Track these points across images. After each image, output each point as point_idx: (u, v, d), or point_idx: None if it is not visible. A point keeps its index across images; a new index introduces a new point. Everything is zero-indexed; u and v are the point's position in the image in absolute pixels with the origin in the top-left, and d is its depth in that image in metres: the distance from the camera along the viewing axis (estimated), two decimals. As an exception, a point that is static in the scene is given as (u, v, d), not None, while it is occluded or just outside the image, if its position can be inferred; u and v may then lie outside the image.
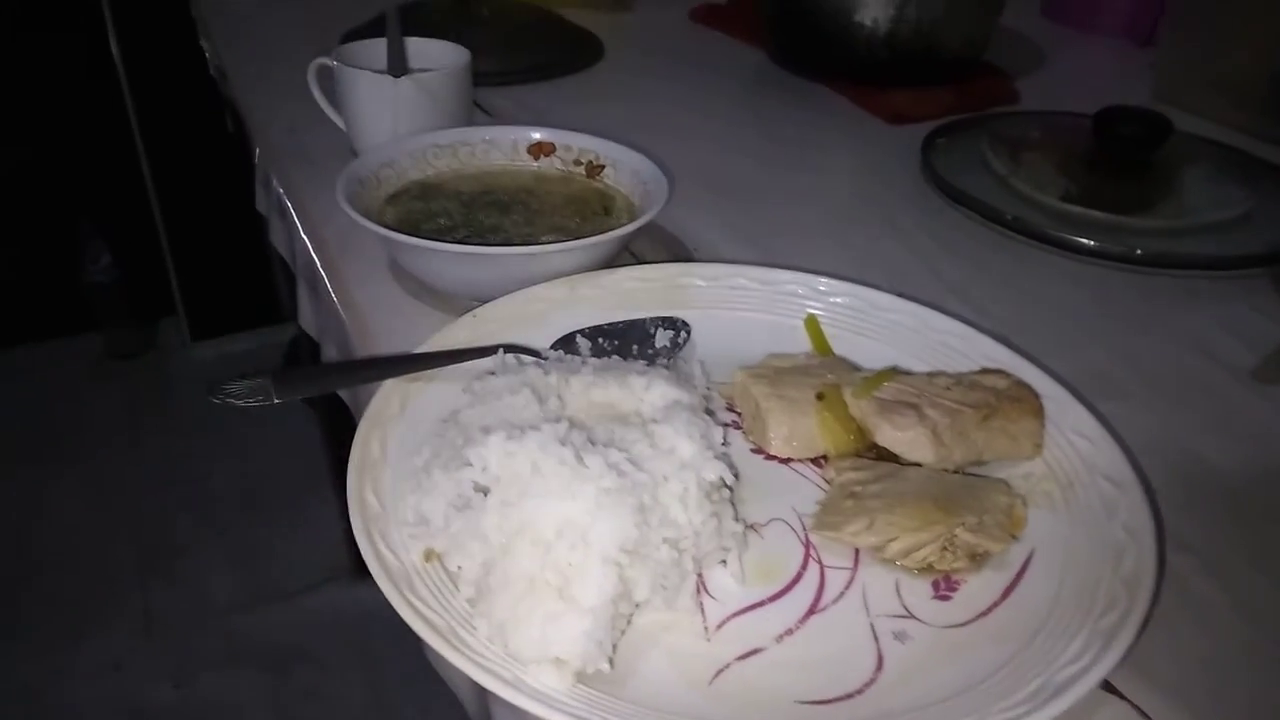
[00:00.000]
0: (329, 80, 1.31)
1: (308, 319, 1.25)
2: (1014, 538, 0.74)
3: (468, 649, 0.61)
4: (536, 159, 1.22)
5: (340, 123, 1.30)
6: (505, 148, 1.22)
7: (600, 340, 0.95)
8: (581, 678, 0.61)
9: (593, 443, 0.69)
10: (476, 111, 1.44)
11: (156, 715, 2.35)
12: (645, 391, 0.78)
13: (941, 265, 1.20)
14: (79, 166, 3.19)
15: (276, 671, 2.45)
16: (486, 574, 0.63)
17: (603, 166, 1.19)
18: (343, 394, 1.11)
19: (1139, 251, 1.22)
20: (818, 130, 1.57)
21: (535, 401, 0.75)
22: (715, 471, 0.70)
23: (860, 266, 1.11)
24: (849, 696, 0.64)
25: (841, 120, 1.61)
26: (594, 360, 0.85)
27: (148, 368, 3.45)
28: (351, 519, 0.69)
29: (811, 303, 1.01)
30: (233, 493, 2.95)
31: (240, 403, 0.77)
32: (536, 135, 1.22)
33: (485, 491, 0.67)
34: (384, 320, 1.03)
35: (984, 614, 0.71)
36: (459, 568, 0.65)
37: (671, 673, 0.65)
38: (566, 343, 0.94)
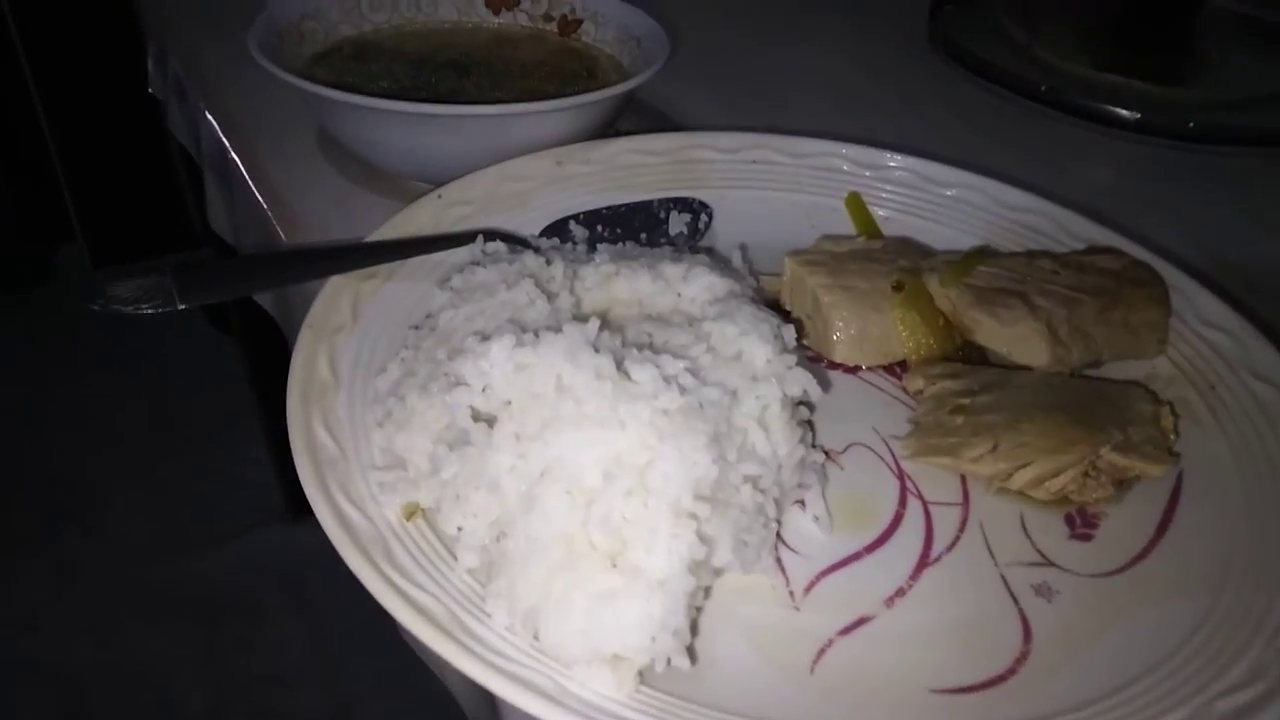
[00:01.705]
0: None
1: (219, 218, 1.02)
2: (1173, 455, 0.58)
3: (479, 646, 0.42)
4: (496, 13, 0.99)
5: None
6: (457, 0, 0.99)
7: (599, 228, 0.75)
8: (646, 677, 0.43)
9: (634, 348, 0.50)
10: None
11: (77, 675, 2.15)
12: (684, 282, 0.59)
13: (969, 143, 1.02)
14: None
15: (205, 623, 2.26)
16: (500, 537, 0.44)
17: (580, 21, 0.97)
18: (268, 305, 0.89)
19: (1191, 124, 1.05)
20: (817, 2, 1.37)
21: (542, 296, 0.55)
22: (801, 383, 0.51)
23: (875, 140, 0.92)
24: (999, 680, 0.47)
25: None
26: (608, 247, 0.66)
27: (45, 300, 3.15)
28: (297, 463, 0.49)
29: (853, 177, 0.82)
30: (147, 431, 2.71)
31: (129, 309, 0.56)
32: (486, -17, 0.99)
33: (489, 421, 0.47)
34: (318, 211, 0.81)
35: (1140, 557, 0.54)
36: (458, 529, 0.46)
37: (759, 659, 0.47)
38: (557, 230, 0.74)
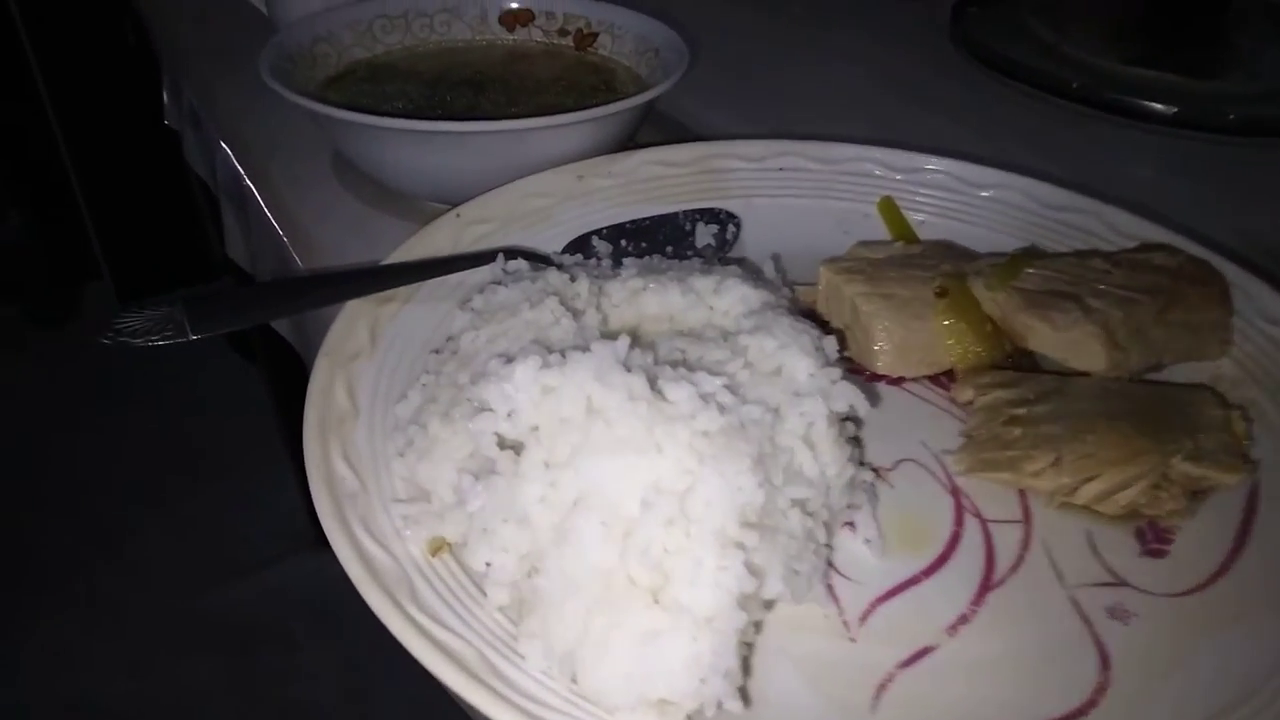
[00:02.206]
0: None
1: (236, 247, 1.00)
2: (1249, 462, 0.54)
3: (513, 691, 0.39)
4: (511, 30, 0.97)
5: (259, 4, 1.04)
6: (471, 19, 0.97)
7: (623, 242, 0.72)
8: (694, 722, 0.39)
9: (667, 366, 0.47)
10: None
11: (113, 710, 2.14)
12: (716, 295, 0.56)
13: (1000, 144, 0.98)
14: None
15: (238, 653, 2.25)
16: (532, 573, 0.41)
17: (595, 35, 0.95)
18: (287, 333, 0.87)
19: (1232, 117, 1.01)
20: (827, 9, 1.34)
21: (567, 314, 0.52)
22: (845, 398, 0.48)
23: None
24: (1078, 714, 0.43)
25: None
26: (634, 261, 0.63)
27: (73, 336, 3.17)
28: (315, 498, 0.46)
29: (885, 181, 0.79)
30: (175, 463, 2.71)
31: (140, 341, 0.53)
32: (508, 2, 0.97)
33: (516, 448, 0.44)
34: (334, 236, 0.79)
35: (1221, 572, 0.50)
36: (487, 565, 0.43)
37: (815, 697, 0.43)
38: (579, 246, 0.71)
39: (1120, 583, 0.50)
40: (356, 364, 0.56)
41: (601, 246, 0.71)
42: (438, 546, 0.45)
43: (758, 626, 0.44)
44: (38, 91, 2.91)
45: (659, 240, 0.73)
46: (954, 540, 0.52)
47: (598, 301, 0.56)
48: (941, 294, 0.61)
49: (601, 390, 0.43)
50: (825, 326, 0.65)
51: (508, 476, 0.43)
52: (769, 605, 0.44)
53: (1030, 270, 0.62)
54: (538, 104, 0.86)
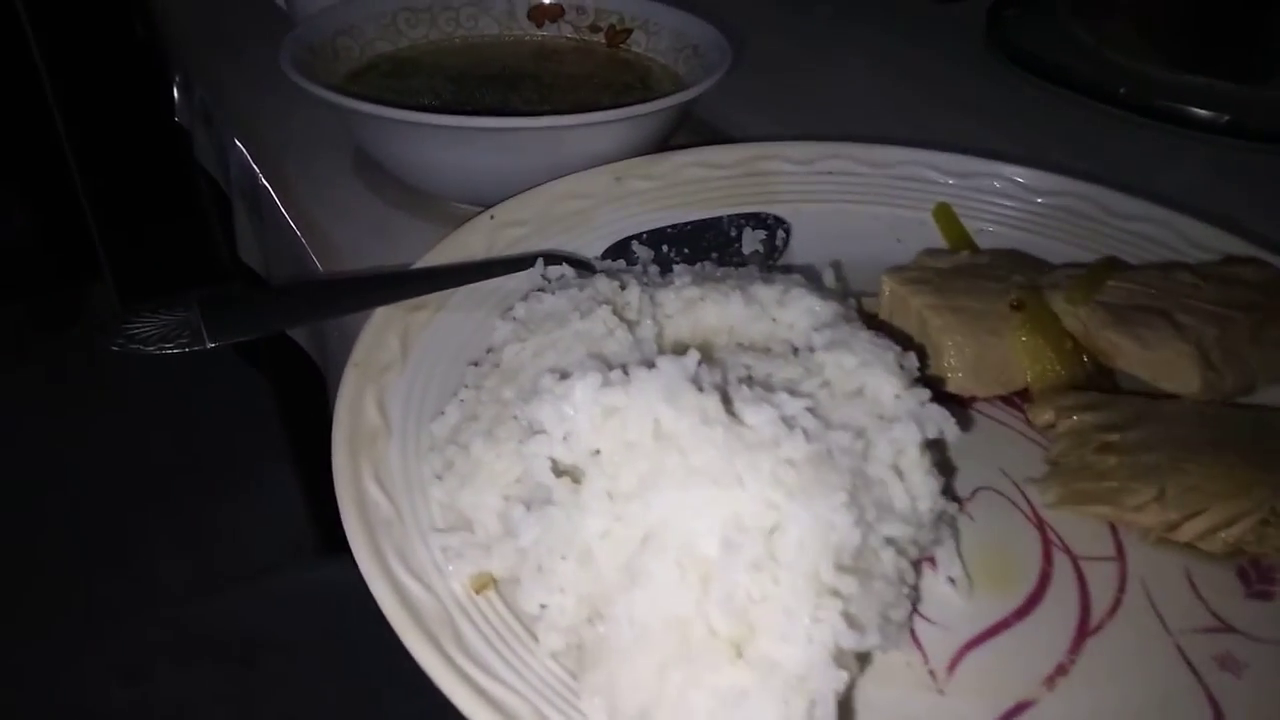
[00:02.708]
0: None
1: (250, 250, 0.95)
2: (1369, 499, 0.49)
3: (574, 754, 0.34)
4: (540, 25, 0.93)
5: (278, -5, 1.00)
6: (498, 13, 0.92)
7: (664, 247, 0.68)
8: (778, 791, 0.35)
9: (740, 385, 0.42)
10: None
11: (113, 717, 2.10)
12: (780, 307, 0.51)
13: (1045, 151, 0.94)
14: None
15: (240, 662, 2.21)
16: (594, 618, 0.37)
17: (629, 31, 0.91)
18: (302, 340, 0.82)
19: (1289, 123, 0.97)
20: (861, 8, 1.29)
21: (621, 325, 0.47)
22: (937, 422, 0.44)
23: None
24: (1200, 781, 0.39)
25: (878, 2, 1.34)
26: (686, 268, 0.58)
27: (76, 339, 3.14)
28: (346, 526, 0.41)
29: (940, 187, 0.75)
30: (178, 469, 2.67)
31: (153, 349, 0.49)
32: (541, -4, 0.92)
33: (573, 476, 0.40)
34: (356, 238, 0.74)
35: (1338, 620, 0.46)
36: (542, 606, 0.38)
37: (906, 760, 0.39)
38: (619, 251, 0.66)
39: (1227, 628, 0.45)
40: (387, 376, 0.51)
41: (643, 252, 0.67)
42: (483, 584, 0.40)
43: (852, 684, 0.39)
44: (42, 89, 2.87)
45: (703, 246, 0.69)
46: (1044, 579, 0.47)
47: (652, 312, 0.51)
48: (1018, 307, 0.57)
49: (672, 413, 0.38)
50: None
51: (566, 507, 0.38)
52: (864, 660, 0.39)
53: (1112, 284, 0.58)
54: (572, 101, 0.82)
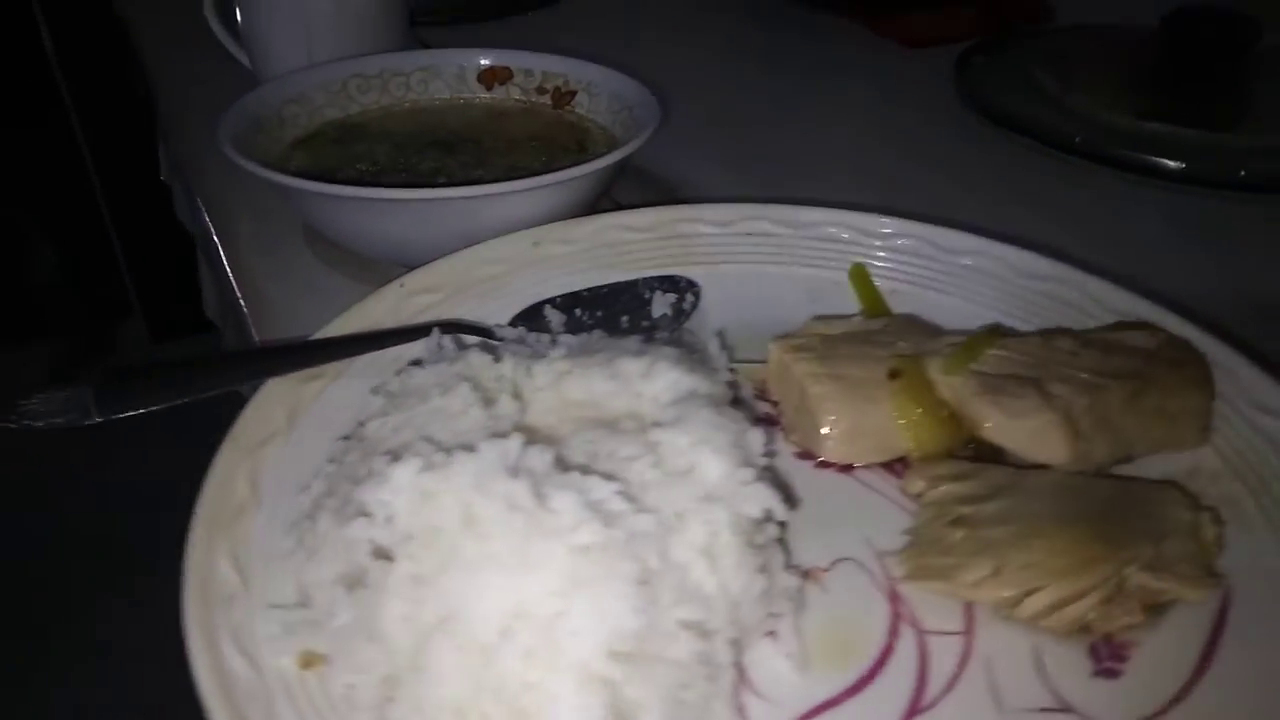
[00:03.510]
0: (232, 7, 1.04)
1: (211, 305, 0.99)
2: (1214, 576, 0.49)
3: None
4: (489, 88, 0.96)
5: (243, 58, 1.04)
6: (449, 77, 0.96)
7: (578, 312, 0.70)
8: None
9: (566, 467, 0.44)
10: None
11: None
12: (645, 381, 0.52)
13: (998, 199, 0.95)
14: (13, 157, 2.92)
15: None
16: (390, 699, 0.38)
17: (574, 93, 0.93)
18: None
19: (1243, 173, 0.97)
20: (828, 59, 1.31)
21: (478, 404, 0.49)
22: (760, 502, 0.45)
23: (899, 206, 0.84)
24: None
25: (854, 47, 1.35)
26: (569, 339, 0.60)
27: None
28: (183, 604, 0.43)
29: (857, 248, 0.76)
30: (191, 500, 2.73)
31: (42, 424, 0.52)
32: (486, 60, 0.95)
33: (390, 558, 0.41)
34: (290, 298, 0.77)
35: (1179, 698, 0.46)
36: (348, 687, 0.40)
37: (707, 841, 0.39)
38: (531, 317, 0.68)
39: (1065, 709, 0.45)
40: (269, 448, 0.54)
41: (554, 317, 0.69)
42: (309, 661, 0.42)
43: None
44: (74, 133, 2.98)
45: (616, 309, 0.71)
46: (885, 654, 0.48)
47: (518, 386, 0.53)
48: (894, 376, 0.58)
49: (480, 498, 0.40)
50: (776, 406, 0.62)
51: (375, 590, 0.40)
52: None
53: (993, 351, 0.58)
54: (507, 165, 0.85)
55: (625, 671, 0.37)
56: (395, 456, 0.43)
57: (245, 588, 0.45)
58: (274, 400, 0.56)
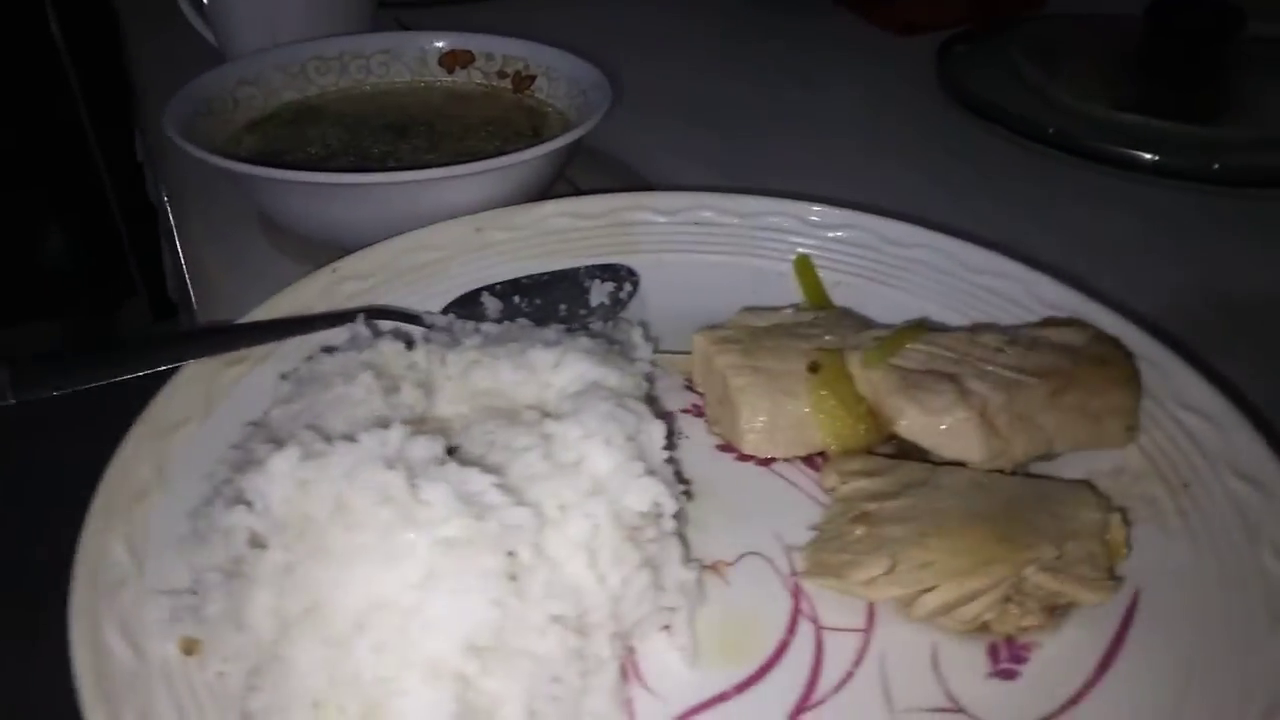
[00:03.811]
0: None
1: (171, 285, 0.99)
2: (1115, 580, 0.48)
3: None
4: (451, 72, 0.95)
5: (210, 36, 1.04)
6: (410, 60, 0.95)
7: (516, 299, 0.69)
8: None
9: (459, 458, 0.44)
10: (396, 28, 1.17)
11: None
12: (554, 371, 0.52)
13: (967, 191, 0.94)
14: (24, 142, 2.94)
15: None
16: (252, 689, 0.38)
17: (533, 77, 0.93)
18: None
19: (1216, 166, 0.95)
20: (814, 45, 1.29)
21: (379, 392, 0.49)
22: (647, 496, 0.44)
23: (867, 196, 0.83)
24: None
25: (842, 33, 1.34)
26: (490, 328, 0.60)
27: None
28: (71, 587, 0.43)
29: (802, 239, 0.75)
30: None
31: (-43, 406, 0.52)
32: (447, 43, 0.95)
33: (265, 547, 0.41)
34: (238, 283, 0.77)
35: (1073, 702, 0.45)
36: (218, 675, 0.40)
37: (573, 833, 0.39)
38: (468, 304, 0.68)
39: (955, 709, 0.45)
40: (180, 432, 0.54)
41: (491, 304, 0.69)
42: (189, 647, 0.42)
43: None
44: (80, 119, 3.00)
45: (555, 297, 0.70)
46: (780, 650, 0.47)
47: (428, 376, 0.53)
48: (813, 369, 0.57)
49: (353, 489, 0.39)
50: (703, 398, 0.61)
51: (246, 579, 0.40)
52: None
53: (916, 346, 0.58)
54: (460, 149, 0.84)
55: (484, 665, 0.37)
56: (279, 445, 0.43)
57: (139, 573, 0.45)
58: (191, 384, 0.56)
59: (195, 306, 0.77)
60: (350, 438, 0.42)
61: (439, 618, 0.36)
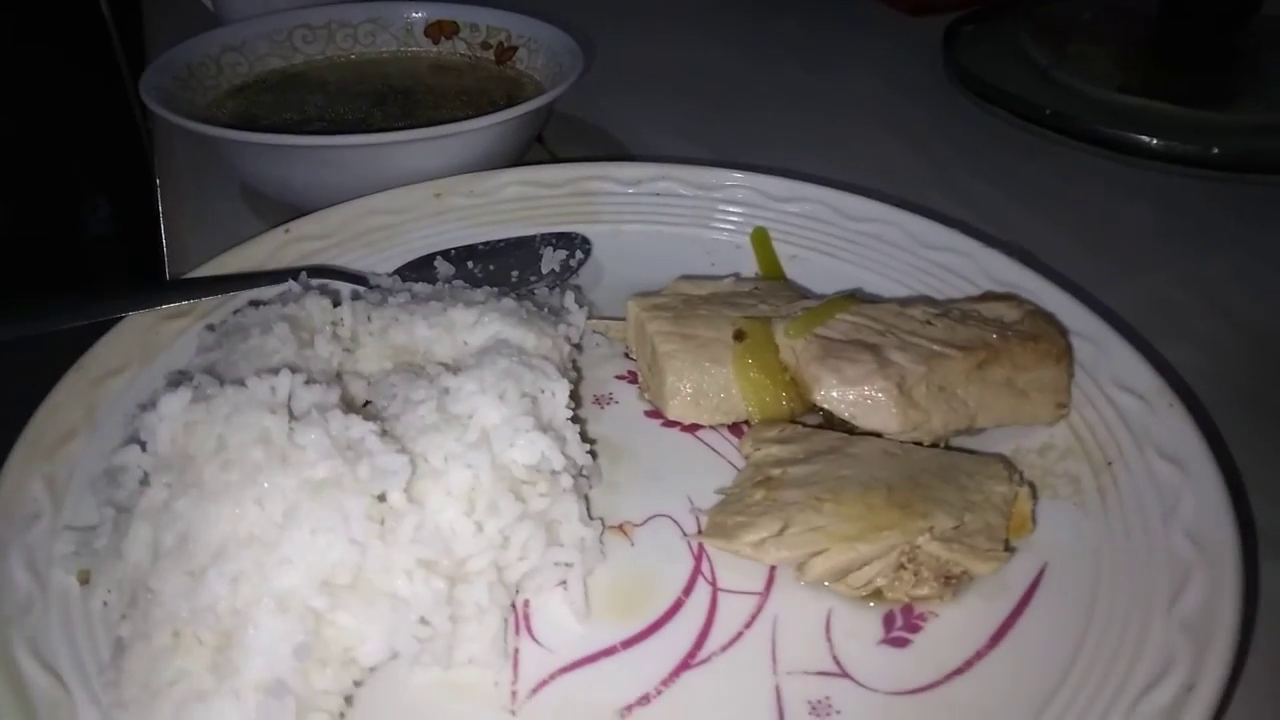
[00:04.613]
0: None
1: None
2: (1009, 550, 0.48)
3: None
4: (436, 42, 0.96)
5: (209, 3, 1.06)
6: (396, 30, 0.96)
7: (470, 264, 0.70)
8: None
9: (356, 408, 0.45)
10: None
11: None
12: (470, 330, 0.53)
13: (959, 174, 0.92)
14: (71, 115, 3.01)
15: None
16: (126, 615, 0.40)
17: (515, 49, 0.93)
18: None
19: (1215, 151, 0.92)
20: (825, 23, 1.28)
21: (293, 343, 0.50)
22: (534, 450, 0.45)
23: (855, 176, 0.82)
24: (715, 821, 0.39)
25: (852, 11, 1.32)
26: (422, 288, 0.61)
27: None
28: (-16, 523, 0.45)
29: (762, 211, 0.75)
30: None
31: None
32: (427, 13, 0.95)
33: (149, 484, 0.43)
34: (207, 243, 0.79)
35: (957, 672, 0.45)
36: (104, 604, 0.41)
37: (437, 774, 0.40)
38: (420, 268, 0.69)
39: (840, 673, 0.45)
40: (114, 380, 0.55)
41: (444, 268, 0.69)
42: (84, 578, 0.44)
43: (348, 695, 0.40)
44: (125, 88, 3.06)
45: (508, 264, 0.71)
46: (674, 609, 0.48)
47: (354, 331, 0.54)
48: (738, 338, 0.57)
49: (232, 430, 0.41)
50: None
51: (131, 513, 0.41)
52: (372, 670, 0.41)
53: (844, 317, 0.57)
54: (433, 118, 0.85)
55: (339, 601, 0.37)
56: (172, 388, 0.44)
57: (55, 509, 0.47)
58: (128, 335, 0.58)
59: (167, 266, 0.79)
60: (240, 383, 0.43)
61: (295, 554, 0.37)
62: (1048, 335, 0.56)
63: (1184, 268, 0.78)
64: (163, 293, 0.60)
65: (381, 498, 0.40)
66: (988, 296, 0.60)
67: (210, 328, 0.57)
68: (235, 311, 0.57)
